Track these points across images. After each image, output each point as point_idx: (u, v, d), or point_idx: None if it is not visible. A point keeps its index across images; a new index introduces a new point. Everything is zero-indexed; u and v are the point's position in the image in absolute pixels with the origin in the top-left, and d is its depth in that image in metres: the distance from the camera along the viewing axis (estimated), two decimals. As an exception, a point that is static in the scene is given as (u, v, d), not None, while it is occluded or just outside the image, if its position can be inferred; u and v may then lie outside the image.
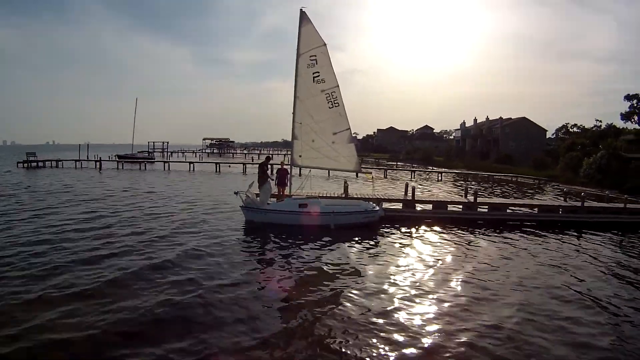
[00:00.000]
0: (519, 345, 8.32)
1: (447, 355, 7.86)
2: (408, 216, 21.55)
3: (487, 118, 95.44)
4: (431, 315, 9.62)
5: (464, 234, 18.93)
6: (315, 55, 19.05)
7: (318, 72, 19.15)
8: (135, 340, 8.00)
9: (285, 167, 21.22)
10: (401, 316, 9.50)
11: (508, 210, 23.12)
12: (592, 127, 68.63)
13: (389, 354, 7.85)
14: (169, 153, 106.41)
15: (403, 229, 19.26)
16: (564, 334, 8.89)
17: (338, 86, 19.22)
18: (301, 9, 18.95)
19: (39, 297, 9.79)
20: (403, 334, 8.61)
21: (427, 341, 8.35)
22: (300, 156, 19.87)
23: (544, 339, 8.59)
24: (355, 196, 23.17)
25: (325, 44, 18.99)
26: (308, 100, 19.35)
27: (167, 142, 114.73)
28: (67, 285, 10.54)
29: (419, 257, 14.72)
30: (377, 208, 19.68)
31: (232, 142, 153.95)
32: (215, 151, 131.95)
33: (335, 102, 19.26)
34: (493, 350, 8.04)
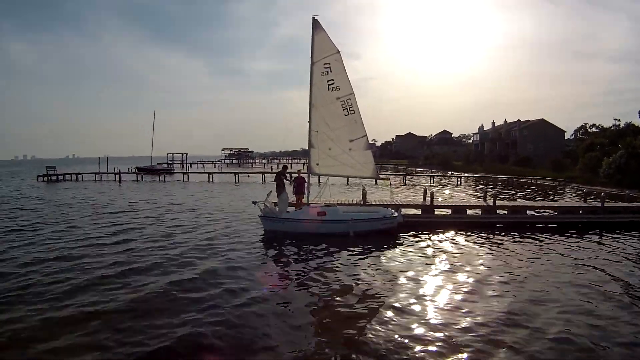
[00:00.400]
0: (565, 347, 8.17)
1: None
2: (427, 222, 21.40)
3: (505, 121, 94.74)
4: (469, 321, 9.32)
5: (484, 237, 18.73)
6: (329, 63, 19.10)
7: (333, 80, 19.19)
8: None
9: (302, 175, 21.28)
10: (435, 322, 9.30)
11: (528, 213, 22.86)
12: (611, 127, 67.32)
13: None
14: (188, 164, 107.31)
15: (423, 235, 19.13)
16: (609, 334, 8.74)
17: (353, 93, 19.24)
18: (313, 17, 19.07)
19: (64, 316, 9.61)
20: (439, 342, 8.36)
21: (468, 348, 8.08)
22: (317, 164, 19.90)
23: (590, 340, 8.43)
24: (374, 203, 23.14)
25: (339, 52, 19.05)
26: (323, 108, 19.40)
27: (187, 154, 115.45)
28: (90, 304, 10.38)
29: (441, 262, 14.56)
30: (396, 214, 19.59)
31: (251, 152, 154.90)
32: (234, 161, 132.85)
33: (351, 109, 19.27)
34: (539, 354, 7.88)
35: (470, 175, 62.00)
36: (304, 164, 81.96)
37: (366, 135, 19.70)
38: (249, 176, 61.99)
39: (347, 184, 45.08)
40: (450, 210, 23.14)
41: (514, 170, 64.00)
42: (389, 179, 33.74)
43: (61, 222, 22.44)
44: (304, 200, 20.59)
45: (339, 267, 14.14)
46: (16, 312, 9.80)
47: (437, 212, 22.92)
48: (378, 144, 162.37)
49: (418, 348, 8.11)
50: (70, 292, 11.17)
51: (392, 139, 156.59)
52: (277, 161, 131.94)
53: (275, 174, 21.70)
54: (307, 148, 20.28)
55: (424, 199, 24.35)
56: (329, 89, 19.27)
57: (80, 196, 36.24)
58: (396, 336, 8.58)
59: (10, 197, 35.89)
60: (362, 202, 22.95)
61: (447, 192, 40.71)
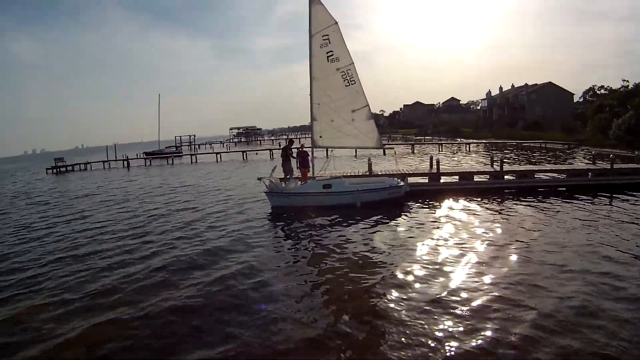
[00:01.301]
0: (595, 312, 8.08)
1: (516, 332, 7.49)
2: (434, 189, 21.31)
3: (513, 86, 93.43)
4: (484, 290, 9.18)
5: (492, 203, 18.63)
6: (328, 35, 18.83)
7: (332, 51, 18.94)
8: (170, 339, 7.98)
9: (305, 149, 21.17)
10: (449, 294, 9.12)
11: (536, 177, 22.66)
12: (620, 88, 66.23)
13: (438, 335, 7.49)
14: (197, 146, 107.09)
15: (430, 203, 19.09)
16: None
17: (353, 63, 18.99)
18: (310, -12, 18.73)
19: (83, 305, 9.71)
20: (453, 315, 8.19)
21: (488, 323, 7.83)
22: (320, 137, 19.80)
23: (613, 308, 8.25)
24: (380, 173, 23.03)
25: (336, 22, 18.74)
26: (324, 81, 19.19)
27: (194, 135, 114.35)
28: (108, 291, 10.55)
29: (450, 229, 14.47)
30: (402, 183, 19.49)
31: (259, 129, 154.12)
32: (242, 140, 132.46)
33: (352, 79, 19.05)
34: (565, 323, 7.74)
35: (479, 141, 61.33)
36: (305, 137, 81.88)
37: (368, 105, 19.48)
38: (256, 154, 61.99)
39: (355, 156, 44.83)
40: (457, 177, 22.97)
41: (523, 134, 63.33)
42: (393, 149, 33.59)
43: (71, 212, 22.68)
44: (309, 173, 20.52)
45: (347, 239, 14.11)
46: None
47: (443, 179, 22.77)
48: (386, 114, 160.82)
49: (438, 320, 8.00)
50: (90, 279, 11.57)
51: (400, 108, 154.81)
52: (286, 137, 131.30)
53: (281, 150, 21.66)
54: (315, 122, 20.10)
55: (430, 166, 24.19)
56: (328, 61, 19.03)
57: (89, 185, 36.39)
58: (412, 309, 8.48)
59: (20, 192, 36.08)
60: (367, 173, 22.83)
61: (455, 159, 40.39)
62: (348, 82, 19.07)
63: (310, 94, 19.40)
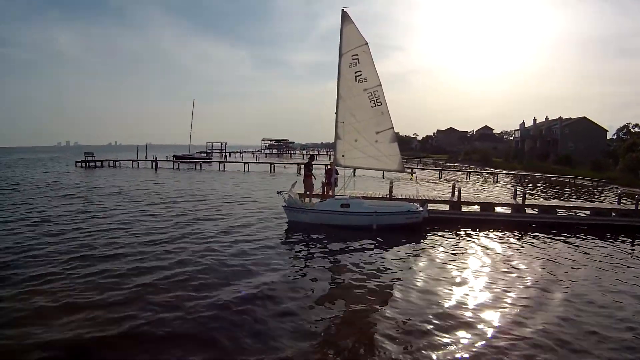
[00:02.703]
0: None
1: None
2: (454, 218, 21.08)
3: (547, 118, 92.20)
4: (490, 321, 9.19)
5: (510, 236, 18.34)
6: (357, 55, 18.96)
7: (360, 71, 19.05)
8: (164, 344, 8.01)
9: (332, 167, 21.15)
10: (453, 320, 9.15)
11: (559, 212, 22.26)
12: (653, 127, 65.01)
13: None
14: (227, 154, 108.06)
15: (448, 231, 18.84)
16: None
17: (380, 85, 19.05)
18: (343, 9, 18.91)
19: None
20: (458, 338, 8.32)
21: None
22: (343, 156, 19.85)
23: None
24: (400, 197, 22.91)
25: (367, 43, 18.86)
26: (350, 100, 19.30)
27: (226, 143, 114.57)
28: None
29: (465, 259, 14.31)
30: (421, 209, 19.35)
31: (292, 142, 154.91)
32: (273, 152, 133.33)
33: (378, 101, 19.11)
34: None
35: (508, 172, 60.57)
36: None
37: (392, 127, 19.46)
38: (284, 167, 62.24)
39: (383, 176, 44.22)
40: (478, 207, 22.70)
41: (553, 168, 62.41)
42: (414, 172, 33.34)
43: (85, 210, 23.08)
44: (333, 191, 20.46)
45: (359, 260, 13.92)
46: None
47: (464, 208, 22.52)
48: (419, 138, 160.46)
49: (430, 349, 7.93)
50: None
51: (434, 133, 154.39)
52: (317, 152, 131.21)
53: (304, 165, 21.78)
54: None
55: (452, 194, 23.97)
56: (356, 81, 19.14)
57: (111, 183, 36.95)
58: (416, 337, 8.38)
59: (50, 182, 36.96)
60: (388, 196, 22.71)
61: (482, 189, 39.85)
62: (374, 103, 19.13)
63: (336, 112, 19.50)
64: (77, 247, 14.15)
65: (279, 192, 19.99)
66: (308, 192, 21.03)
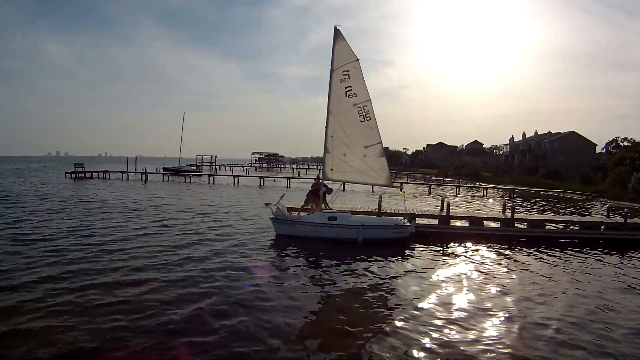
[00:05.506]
0: None
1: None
2: (442, 232, 21.11)
3: (536, 132, 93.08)
4: (472, 337, 9.22)
5: (500, 251, 18.39)
6: (348, 70, 19.15)
7: (350, 87, 19.23)
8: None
9: (321, 181, 21.18)
10: (434, 332, 9.27)
11: (547, 227, 22.39)
12: (642, 140, 65.84)
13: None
14: (217, 166, 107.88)
15: (436, 246, 18.83)
16: None
17: (370, 100, 19.22)
18: (335, 27, 19.20)
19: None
20: (441, 355, 8.34)
21: None
22: (331, 170, 19.92)
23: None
24: (389, 211, 22.94)
25: (357, 59, 19.08)
26: (340, 115, 19.45)
27: (216, 156, 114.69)
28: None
29: (451, 274, 14.31)
30: (408, 223, 19.39)
31: (282, 156, 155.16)
32: (263, 165, 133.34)
33: (367, 115, 19.26)
34: None
35: (497, 186, 60.97)
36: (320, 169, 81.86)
37: (381, 142, 19.60)
38: (274, 180, 62.19)
39: (372, 191, 44.30)
40: (467, 222, 22.76)
41: (542, 182, 62.92)
42: (402, 187, 33.45)
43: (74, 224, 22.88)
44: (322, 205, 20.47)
45: (342, 274, 14.01)
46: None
47: (453, 223, 22.59)
48: (409, 152, 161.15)
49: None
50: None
51: (424, 148, 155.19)
52: (307, 166, 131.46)
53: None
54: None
55: (441, 209, 24.02)
56: (346, 96, 19.31)
57: (100, 194, 36.90)
58: (398, 352, 8.43)
59: (44, 194, 36.78)
60: (377, 210, 22.72)
61: (471, 203, 40.05)
62: (364, 117, 19.27)
63: (326, 127, 19.63)
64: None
65: (266, 204, 19.95)
66: (306, 206, 21.15)
